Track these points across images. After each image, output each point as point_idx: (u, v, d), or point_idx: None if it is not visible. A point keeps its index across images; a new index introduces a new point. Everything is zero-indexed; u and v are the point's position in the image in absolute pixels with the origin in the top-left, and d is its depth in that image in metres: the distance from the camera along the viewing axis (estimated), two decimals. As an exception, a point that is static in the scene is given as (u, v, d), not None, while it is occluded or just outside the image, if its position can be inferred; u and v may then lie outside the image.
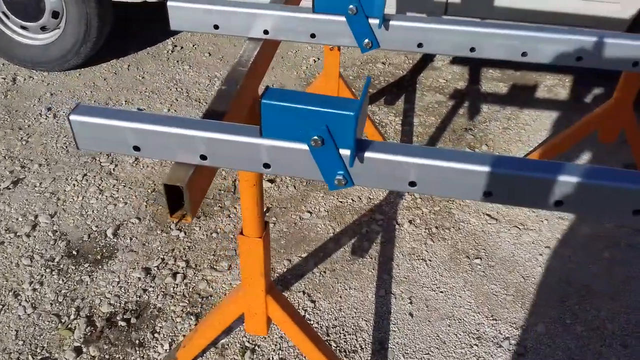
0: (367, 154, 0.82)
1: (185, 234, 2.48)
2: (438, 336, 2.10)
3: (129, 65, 3.65)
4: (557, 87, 3.48)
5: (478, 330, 2.11)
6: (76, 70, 3.56)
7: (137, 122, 0.87)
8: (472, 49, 1.15)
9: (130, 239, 2.46)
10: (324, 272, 2.33)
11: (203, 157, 0.88)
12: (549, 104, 3.34)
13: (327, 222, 2.56)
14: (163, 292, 2.24)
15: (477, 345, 2.06)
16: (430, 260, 2.38)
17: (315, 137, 0.81)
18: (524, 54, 1.15)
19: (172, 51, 3.82)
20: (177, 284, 2.27)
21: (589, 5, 2.83)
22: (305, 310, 2.19)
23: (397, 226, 2.54)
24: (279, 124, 0.82)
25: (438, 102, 3.35)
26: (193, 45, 3.88)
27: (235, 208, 2.63)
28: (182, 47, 3.86)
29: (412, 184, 0.83)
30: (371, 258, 2.39)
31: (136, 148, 0.89)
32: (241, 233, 1.44)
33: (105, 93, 3.38)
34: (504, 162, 0.80)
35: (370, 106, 3.33)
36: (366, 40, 1.17)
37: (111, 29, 3.54)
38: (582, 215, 2.57)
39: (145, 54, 3.78)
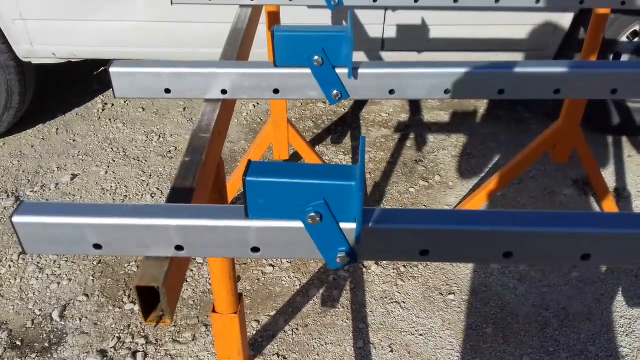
0: (373, 225, 0.72)
1: (140, 306, 2.28)
2: (424, 383, 2.00)
3: (57, 129, 3.43)
4: (495, 109, 3.53)
5: (464, 371, 2.03)
6: (0, 139, 3.31)
7: (96, 216, 0.74)
8: (447, 91, 1.09)
9: (80, 319, 2.24)
10: (296, 329, 2.20)
11: (179, 248, 0.75)
12: (491, 126, 3.38)
13: (292, 274, 2.43)
14: (122, 375, 2.04)
15: (465, 387, 1.98)
16: (404, 302, 2.29)
17: (312, 214, 0.70)
18: (500, 91, 1.10)
19: (102, 109, 3.63)
20: (137, 365, 2.07)
21: (517, 30, 2.90)
22: (282, 375, 2.04)
23: (364, 269, 2.44)
24: (267, 202, 0.71)
25: (384, 136, 3.32)
26: (125, 101, 3.71)
27: (191, 270, 2.46)
28: (112, 104, 3.68)
29: (424, 252, 0.73)
30: (343, 307, 2.28)
31: (97, 246, 0.75)
32: (213, 310, 1.30)
33: (34, 161, 3.15)
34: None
35: (317, 146, 3.26)
36: (334, 91, 1.08)
37: (34, 93, 3.33)
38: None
39: (74, 114, 3.57)
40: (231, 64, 1.10)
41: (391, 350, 2.10)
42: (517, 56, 2.99)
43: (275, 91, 1.10)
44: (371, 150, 3.21)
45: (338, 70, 1.07)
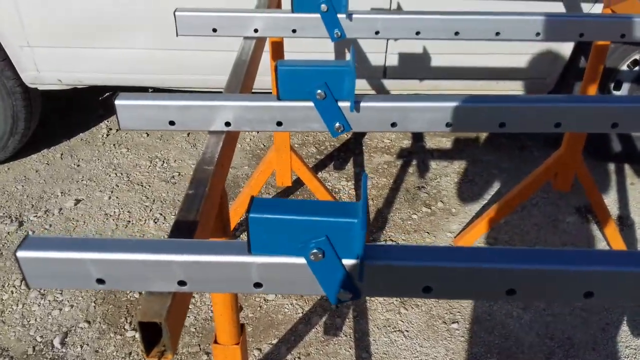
0: (376, 262, 0.72)
1: (141, 334, 2.27)
2: (427, 414, 1.97)
3: (62, 154, 3.45)
4: (497, 137, 3.55)
5: (468, 402, 2.00)
6: (4, 165, 3.33)
7: (99, 252, 0.74)
8: (448, 124, 1.10)
9: (81, 347, 2.23)
10: (299, 357, 2.18)
11: (182, 283, 0.75)
12: (494, 154, 3.39)
13: (294, 302, 2.42)
14: (123, 404, 2.02)
15: (469, 419, 1.95)
16: (407, 331, 2.28)
17: (315, 251, 0.71)
18: (501, 125, 1.11)
19: (107, 135, 3.65)
20: (137, 393, 2.05)
21: (517, 59, 2.93)
22: (283, 405, 2.02)
23: (367, 297, 2.43)
24: (270, 239, 0.72)
25: (387, 163, 3.33)
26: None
27: (194, 297, 2.45)
28: (117, 130, 3.71)
29: (427, 289, 0.73)
30: (345, 335, 2.26)
31: (100, 281, 0.76)
32: (215, 341, 1.30)
33: (39, 186, 3.16)
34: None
35: (320, 172, 3.27)
36: (337, 124, 1.09)
37: (40, 119, 3.36)
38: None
39: (79, 140, 3.60)
40: (235, 97, 1.12)
41: (394, 381, 2.08)
42: (518, 85, 3.02)
43: (279, 124, 1.11)
44: (374, 177, 3.21)
45: (341, 104, 1.08)
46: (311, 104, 1.08)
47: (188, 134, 3.64)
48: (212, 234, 1.03)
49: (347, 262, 0.72)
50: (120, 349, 2.21)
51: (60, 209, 2.98)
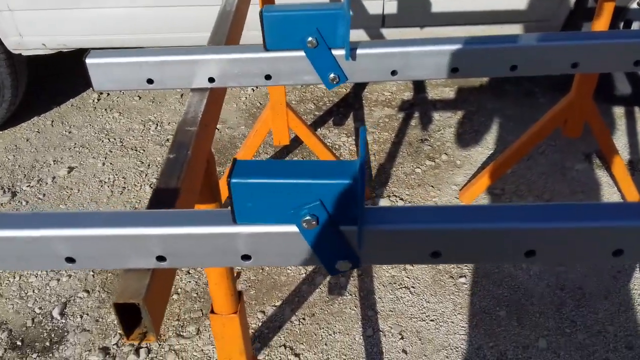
0: (377, 227, 0.64)
1: (142, 301, 2.23)
2: (437, 371, 1.94)
3: (52, 121, 3.35)
4: (502, 84, 3.42)
5: (479, 356, 1.96)
6: (-6, 135, 3.24)
7: (66, 227, 0.66)
8: (454, 70, 1.00)
9: (81, 317, 2.19)
10: (303, 319, 2.14)
11: (161, 259, 0.68)
12: (498, 101, 3.27)
13: (297, 263, 2.36)
14: (127, 373, 1.99)
15: (480, 374, 1.92)
16: (413, 287, 2.22)
17: (308, 217, 0.62)
18: (513, 68, 1.00)
19: (98, 99, 3.54)
20: (142, 362, 2.02)
21: (522, 1, 2.78)
22: (290, 367, 1.98)
23: (371, 255, 2.37)
24: (257, 206, 0.63)
25: (388, 116, 3.22)
26: (120, 90, 3.61)
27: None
28: (108, 94, 3.59)
29: (436, 254, 0.65)
30: (351, 294, 2.21)
31: (70, 260, 0.68)
32: (212, 311, 1.23)
33: (30, 155, 3.08)
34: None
35: (319, 129, 3.17)
36: (332, 75, 0.99)
37: (27, 86, 3.25)
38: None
39: (69, 106, 3.49)
40: (218, 49, 1.01)
41: (402, 338, 2.04)
42: (523, 28, 2.87)
43: (268, 77, 1.01)
44: (375, 131, 3.11)
45: (335, 52, 0.98)
46: (302, 53, 0.98)
47: (181, 95, 3.52)
48: (199, 202, 0.95)
49: (345, 228, 0.64)
50: (122, 317, 2.17)
51: (54, 178, 2.91)
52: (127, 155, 3.05)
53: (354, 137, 3.08)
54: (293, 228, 0.64)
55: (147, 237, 0.66)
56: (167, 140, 3.15)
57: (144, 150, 3.08)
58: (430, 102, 3.32)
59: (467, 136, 3.02)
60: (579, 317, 2.06)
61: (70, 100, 3.53)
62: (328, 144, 3.03)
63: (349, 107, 3.34)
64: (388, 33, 2.91)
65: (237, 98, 3.48)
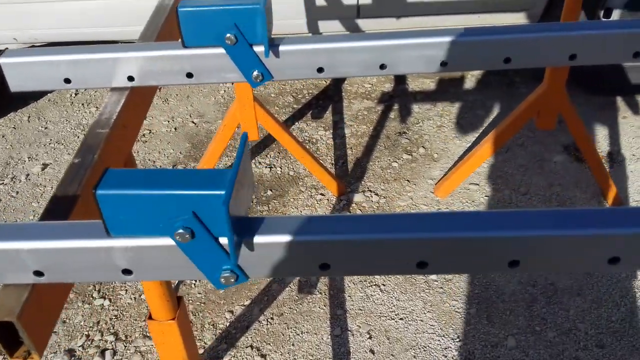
0: (257, 238, 0.60)
1: (110, 301, 2.20)
2: (404, 370, 1.90)
3: (29, 117, 3.31)
4: (486, 75, 3.37)
5: (446, 357, 1.93)
6: (-32, 132, 3.20)
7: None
8: (383, 66, 0.95)
9: (48, 318, 2.16)
10: (272, 318, 2.10)
11: (38, 274, 0.64)
12: (480, 93, 3.22)
13: (267, 260, 2.32)
14: (91, 375, 1.96)
15: (447, 373, 1.88)
16: (384, 285, 2.19)
17: (181, 230, 0.58)
18: (443, 64, 0.96)
19: (75, 94, 3.49)
20: (106, 363, 1.99)
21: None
22: (256, 368, 1.95)
23: (343, 252, 2.33)
24: (130, 218, 0.59)
25: (367, 109, 3.17)
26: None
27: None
28: (85, 89, 3.54)
29: (325, 266, 0.61)
30: (321, 293, 2.18)
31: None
32: (150, 317, 1.20)
33: (5, 152, 3.04)
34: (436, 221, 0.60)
35: (298, 122, 3.12)
36: (255, 73, 0.95)
37: (2, 82, 3.20)
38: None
39: (47, 101, 3.44)
40: (137, 46, 0.97)
41: (370, 337, 2.01)
42: (500, 18, 2.82)
43: (189, 75, 0.97)
44: (353, 124, 3.07)
45: (257, 49, 0.94)
46: (222, 50, 0.93)
47: (159, 89, 3.47)
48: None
49: (225, 240, 0.60)
50: (88, 318, 2.14)
51: (28, 175, 2.87)
52: (102, 151, 3.00)
53: (331, 131, 3.03)
54: (170, 241, 0.60)
55: (19, 251, 0.62)
56: (143, 135, 3.11)
57: (119, 146, 3.03)
58: (410, 94, 3.26)
59: (445, 129, 2.97)
60: (549, 315, 2.02)
61: (48, 95, 3.49)
62: (305, 138, 2.99)
63: (329, 99, 3.29)
64: (364, 24, 2.85)
65: (215, 92, 3.43)
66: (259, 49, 0.94)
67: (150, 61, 0.95)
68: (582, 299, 2.07)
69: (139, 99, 0.99)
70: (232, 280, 0.62)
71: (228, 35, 0.90)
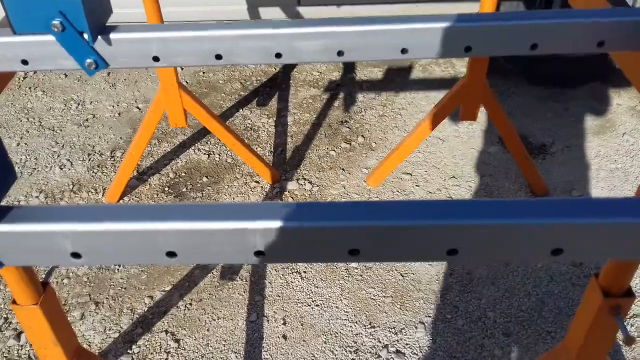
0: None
1: (32, 285, 2.20)
2: (314, 356, 1.93)
3: (-27, 99, 3.29)
4: (431, 65, 3.38)
5: (356, 342, 1.95)
6: None
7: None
8: (219, 56, 0.96)
9: (-29, 301, 2.16)
10: (190, 304, 2.12)
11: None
12: (424, 84, 3.23)
13: (193, 247, 2.33)
14: (6, 357, 1.97)
15: (355, 358, 1.91)
16: (305, 272, 2.21)
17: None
18: (278, 55, 0.96)
19: (24, 78, 3.47)
20: (21, 345, 2.00)
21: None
22: (168, 353, 1.96)
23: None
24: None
25: (312, 97, 3.18)
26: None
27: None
28: (35, 72, 3.52)
29: (75, 255, 0.62)
30: (242, 279, 2.20)
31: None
32: (14, 302, 1.20)
33: (-55, 135, 3.02)
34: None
35: (242, 109, 3.12)
36: (88, 60, 0.95)
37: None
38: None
39: (-6, 84, 3.41)
40: (-31, 32, 0.96)
41: (284, 323, 2.03)
42: (444, 8, 2.82)
43: (24, 62, 0.97)
44: (297, 112, 3.07)
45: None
46: (53, 37, 0.93)
47: (108, 74, 3.45)
48: None
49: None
50: (9, 300, 2.15)
51: (-35, 158, 2.85)
52: (43, 135, 3.00)
53: (274, 119, 3.04)
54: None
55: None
56: (87, 120, 3.09)
57: (60, 130, 3.03)
58: (357, 83, 3.27)
59: (386, 118, 2.98)
60: (462, 303, 2.05)
61: (-5, 78, 3.46)
62: (247, 125, 2.99)
63: (276, 87, 3.28)
64: (304, 11, 2.85)
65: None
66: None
67: (-18, 47, 0.95)
68: (496, 287, 2.10)
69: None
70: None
71: (54, 22, 0.90)
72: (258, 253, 0.63)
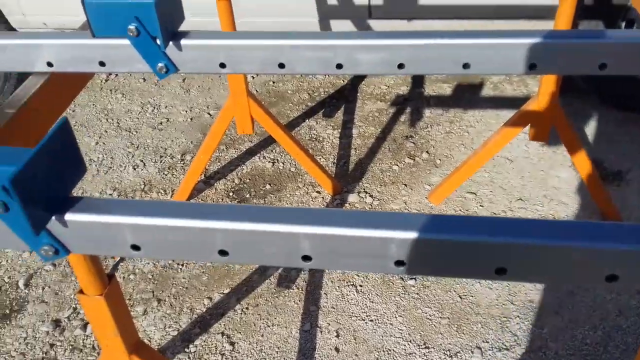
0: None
1: (99, 278, 2.30)
2: (365, 372, 1.91)
3: (60, 100, 3.49)
4: (503, 83, 3.29)
5: (408, 362, 1.92)
6: (4, 110, 3.41)
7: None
8: (282, 65, 0.97)
9: (43, 289, 2.29)
10: (247, 308, 2.15)
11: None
12: (495, 102, 3.15)
13: (253, 252, 2.37)
14: (72, 346, 2.07)
15: (406, 379, 1.87)
16: (361, 286, 2.19)
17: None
18: (339, 66, 0.97)
19: (106, 80, 3.66)
20: (87, 336, 2.09)
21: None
22: (223, 355, 2.00)
23: (327, 250, 2.35)
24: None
25: (379, 111, 3.17)
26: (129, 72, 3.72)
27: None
28: (116, 75, 3.71)
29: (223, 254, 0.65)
30: (298, 288, 2.21)
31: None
32: (80, 291, 1.26)
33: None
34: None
35: (308, 120, 3.15)
36: (160, 65, 0.99)
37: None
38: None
39: (79, 86, 3.62)
40: (55, 34, 1.03)
41: (337, 335, 2.02)
42: (516, 25, 2.75)
43: (102, 64, 1.02)
44: (362, 125, 3.07)
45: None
46: (128, 41, 0.98)
47: (183, 80, 3.59)
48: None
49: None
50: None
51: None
52: (120, 135, 3.14)
53: (339, 130, 3.05)
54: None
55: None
56: (161, 123, 3.22)
57: (136, 132, 3.16)
58: (424, 98, 3.23)
59: (453, 135, 2.93)
60: (522, 331, 1.97)
61: (80, 80, 3.67)
62: (313, 135, 3.02)
63: (343, 99, 3.30)
64: (375, 25, 2.85)
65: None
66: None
67: (65, 49, 1.01)
68: (559, 317, 2.01)
69: (58, 86, 1.05)
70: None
71: (130, 27, 0.95)
72: (305, 258, 0.63)
